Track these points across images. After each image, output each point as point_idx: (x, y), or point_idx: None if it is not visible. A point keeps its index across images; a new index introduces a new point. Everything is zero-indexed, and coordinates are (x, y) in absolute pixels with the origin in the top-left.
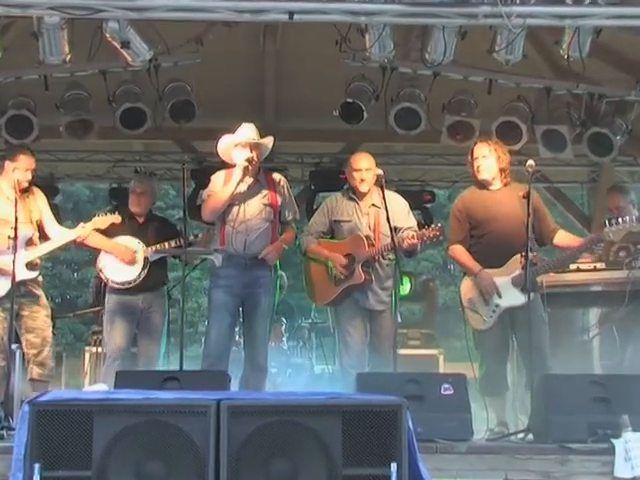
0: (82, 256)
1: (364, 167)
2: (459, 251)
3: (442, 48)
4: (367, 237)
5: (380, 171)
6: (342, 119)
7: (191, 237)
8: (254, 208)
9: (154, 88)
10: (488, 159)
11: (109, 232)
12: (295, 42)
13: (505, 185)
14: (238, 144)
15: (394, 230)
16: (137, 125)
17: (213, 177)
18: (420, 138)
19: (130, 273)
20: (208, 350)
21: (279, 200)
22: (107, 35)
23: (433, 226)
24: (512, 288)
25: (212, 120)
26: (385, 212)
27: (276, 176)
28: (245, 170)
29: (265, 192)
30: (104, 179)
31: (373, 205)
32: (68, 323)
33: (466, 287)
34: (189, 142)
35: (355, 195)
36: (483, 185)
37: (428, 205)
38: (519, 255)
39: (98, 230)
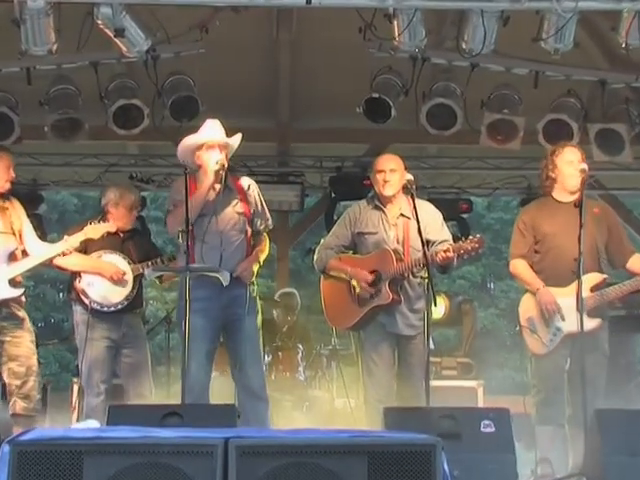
0: (67, 275)
1: (388, 168)
2: (521, 266)
3: (481, 36)
4: (395, 251)
5: (410, 176)
6: (366, 117)
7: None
8: (227, 218)
9: (152, 82)
10: (579, 166)
11: (88, 248)
12: (313, 30)
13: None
14: (205, 145)
15: (426, 244)
16: (133, 124)
17: (175, 185)
18: (456, 139)
19: (118, 295)
20: (189, 384)
21: (251, 207)
22: (99, 22)
23: (473, 237)
24: (576, 312)
25: (218, 119)
26: (416, 223)
27: (245, 180)
28: (217, 175)
29: (236, 199)
30: (94, 186)
31: (402, 215)
32: (53, 351)
33: (526, 305)
34: None
35: (381, 203)
36: (547, 194)
37: (465, 215)
38: (588, 275)
39: (77, 249)
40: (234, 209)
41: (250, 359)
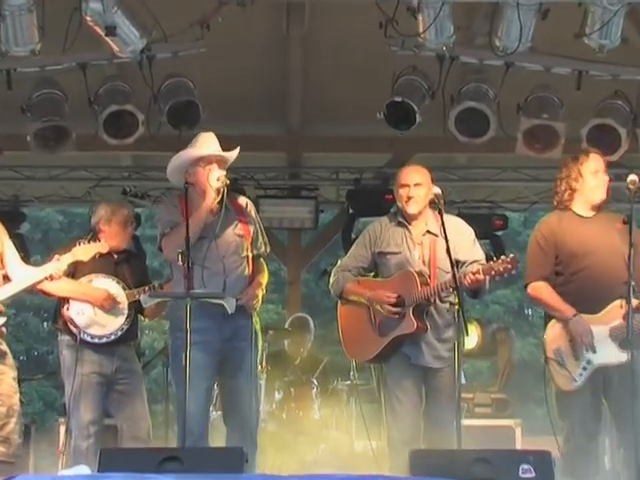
0: (53, 302)
1: (413, 182)
2: (545, 289)
3: (517, 31)
4: (420, 273)
5: (437, 189)
6: (388, 123)
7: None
8: (228, 241)
9: (147, 86)
10: (604, 175)
11: (77, 272)
12: (327, 26)
13: (598, 212)
14: (203, 160)
15: (456, 264)
16: (126, 133)
17: (165, 204)
18: (488, 147)
19: (111, 324)
20: (188, 425)
21: (251, 229)
22: (87, 18)
23: (504, 257)
24: (609, 341)
25: (221, 126)
26: (444, 241)
27: (242, 200)
28: (217, 194)
29: (235, 220)
30: (83, 202)
31: (428, 232)
32: (36, 387)
33: (553, 334)
34: None
35: (405, 220)
36: (567, 208)
37: (499, 232)
38: (620, 300)
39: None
40: (234, 231)
41: (247, 400)
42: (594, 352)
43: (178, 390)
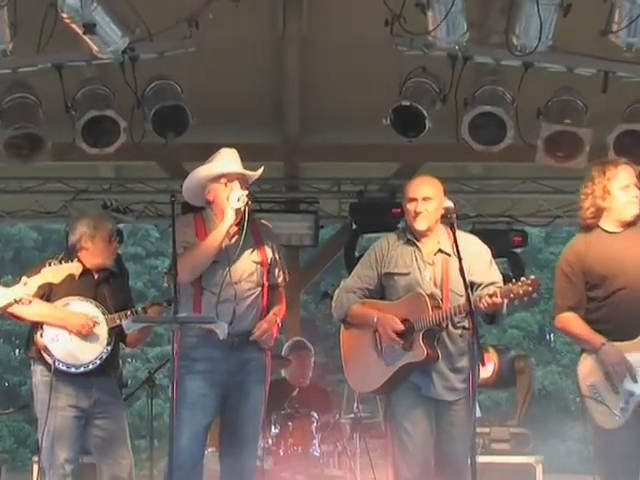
0: (26, 327)
1: (421, 196)
2: (573, 320)
3: (536, 28)
4: (431, 296)
5: (449, 203)
6: (395, 130)
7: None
8: (243, 267)
9: (130, 89)
10: (635, 190)
11: (52, 294)
12: (327, 24)
13: (628, 227)
14: (225, 177)
15: (470, 287)
16: (106, 141)
17: (179, 224)
18: (506, 156)
19: (89, 352)
20: (178, 460)
21: (269, 255)
22: (64, 15)
23: (524, 279)
24: None
25: (211, 133)
26: (458, 261)
27: (263, 223)
28: (238, 214)
29: (252, 244)
30: (59, 217)
31: (440, 251)
32: (7, 422)
33: (586, 368)
34: (179, 164)
35: (415, 237)
36: (593, 226)
37: (517, 249)
38: None
39: (37, 294)
40: (250, 257)
41: (248, 439)
42: (635, 382)
43: (175, 421)
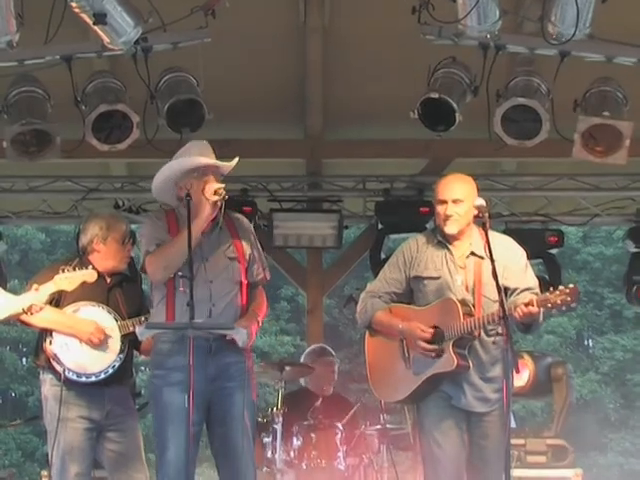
0: (33, 334)
1: (451, 197)
2: None
3: (573, 15)
4: (463, 302)
5: (480, 201)
6: (423, 124)
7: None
8: (218, 265)
9: (143, 82)
10: None
11: (62, 299)
12: (351, 12)
13: None
14: (197, 171)
15: (504, 292)
16: (118, 137)
17: (147, 222)
18: (541, 151)
19: (101, 361)
20: (169, 477)
21: (246, 252)
22: (73, 4)
23: (562, 288)
24: None
25: (229, 129)
26: (491, 264)
27: (238, 217)
28: (214, 208)
29: (228, 239)
30: (68, 218)
31: (473, 254)
32: (14, 434)
33: None
34: None
35: (445, 239)
36: None
37: (553, 250)
38: None
39: (49, 300)
40: (226, 254)
41: (243, 449)
42: None
43: (158, 438)
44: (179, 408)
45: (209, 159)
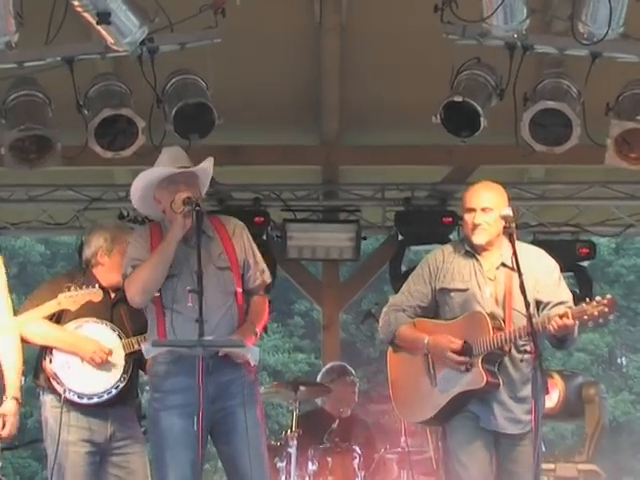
0: (33, 352)
1: (480, 205)
2: None
3: (605, 14)
4: (492, 315)
5: (507, 210)
6: (446, 129)
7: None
8: (208, 276)
9: (149, 85)
10: None
11: (63, 315)
12: (370, 10)
13: None
14: (165, 181)
15: (537, 305)
16: (122, 144)
17: (130, 241)
18: (571, 157)
19: (104, 380)
20: None
21: (239, 258)
22: (75, 3)
23: (599, 299)
24: None
25: (240, 134)
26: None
27: (229, 222)
28: (187, 217)
29: (218, 248)
30: (69, 229)
31: (503, 265)
32: (11, 458)
33: None
34: None
35: (474, 249)
36: None
37: (584, 262)
38: None
39: (50, 316)
40: (215, 262)
41: (253, 471)
42: None
43: (156, 465)
44: (178, 433)
45: (169, 167)
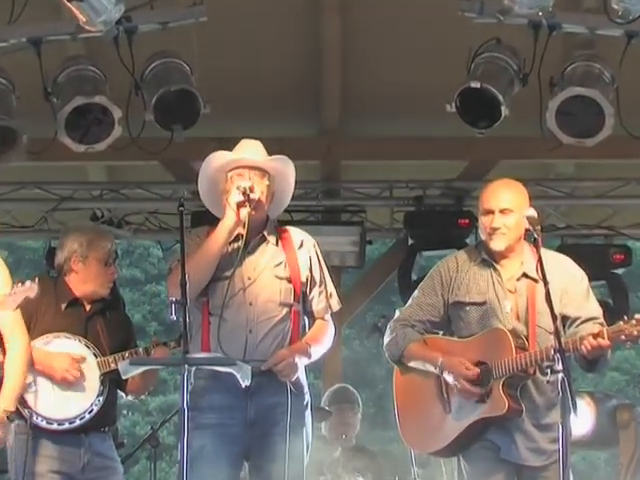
0: None
1: (498, 207)
2: None
3: None
4: (514, 332)
5: (531, 211)
6: (462, 119)
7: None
8: (261, 284)
9: (127, 70)
10: None
11: (31, 329)
12: None
13: None
14: (230, 169)
15: (563, 322)
16: (96, 136)
17: (186, 238)
18: (604, 151)
19: (76, 404)
20: None
21: (304, 273)
22: None
23: (638, 316)
24: None
25: (228, 125)
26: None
27: (298, 234)
28: (239, 210)
29: (280, 257)
30: (36, 232)
31: (525, 276)
32: None
33: None
34: (187, 165)
35: (492, 257)
36: None
37: (619, 270)
38: None
39: None
40: (273, 271)
41: None
42: None
43: None
44: (209, 456)
45: (242, 155)
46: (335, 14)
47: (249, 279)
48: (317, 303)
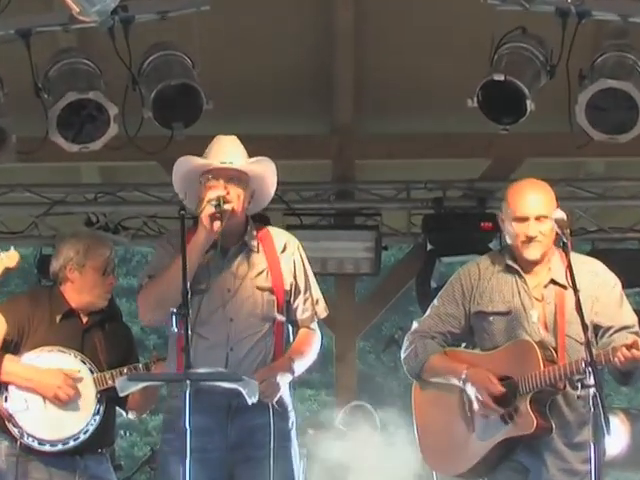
0: None
1: (534, 214)
2: None
3: None
4: (542, 344)
5: (559, 213)
6: (485, 114)
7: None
8: (242, 297)
9: (123, 64)
10: None
11: (22, 342)
12: None
13: None
14: (203, 175)
15: (594, 331)
16: (91, 135)
17: (155, 248)
18: (637, 148)
19: (71, 423)
20: None
21: (287, 281)
22: None
23: None
24: None
25: (233, 122)
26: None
27: (280, 236)
28: (213, 220)
29: (261, 264)
30: (26, 238)
31: (553, 282)
32: None
33: None
34: None
35: (517, 263)
36: None
37: None
38: None
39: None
40: (254, 282)
41: None
42: None
43: None
44: None
45: (218, 159)
46: (348, 3)
47: (229, 291)
48: (302, 312)
